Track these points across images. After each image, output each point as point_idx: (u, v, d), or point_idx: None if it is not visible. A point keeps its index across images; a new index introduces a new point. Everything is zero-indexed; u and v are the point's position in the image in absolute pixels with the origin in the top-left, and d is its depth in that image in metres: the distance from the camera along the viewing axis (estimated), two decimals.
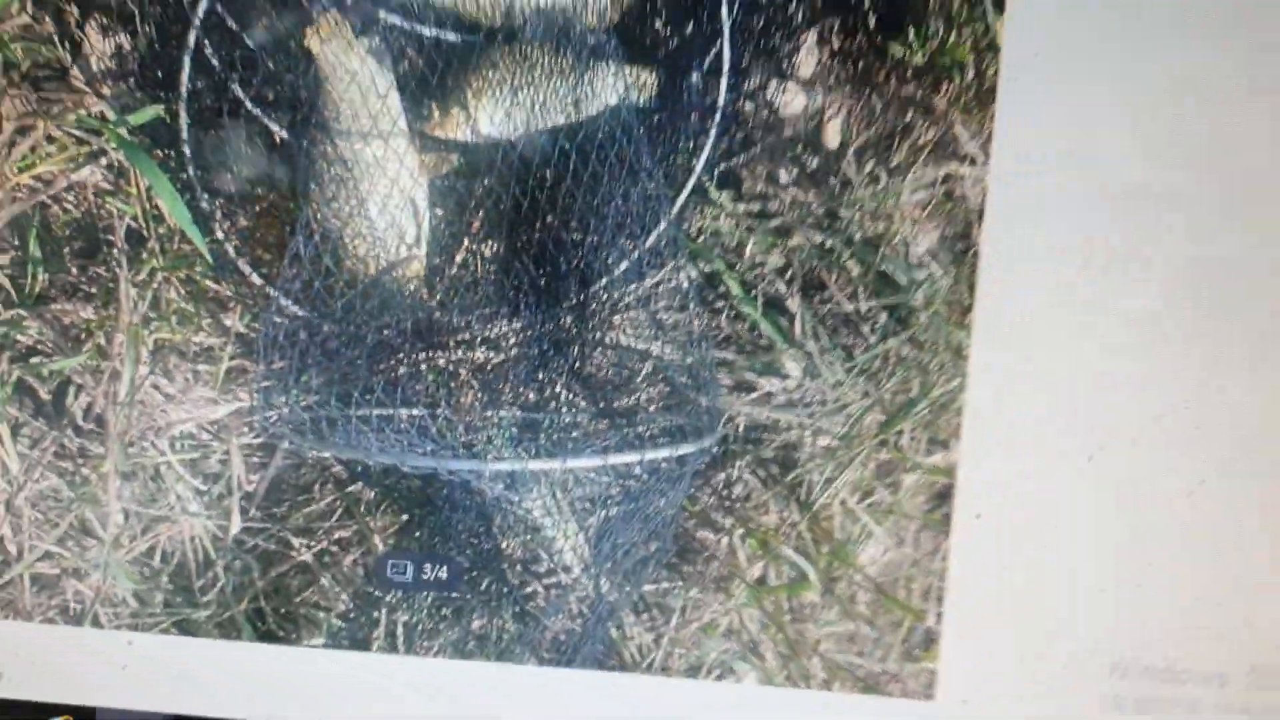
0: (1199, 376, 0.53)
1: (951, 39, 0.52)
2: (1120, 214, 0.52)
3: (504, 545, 0.53)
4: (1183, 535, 0.54)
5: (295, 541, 0.53)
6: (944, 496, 0.54)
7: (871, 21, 0.52)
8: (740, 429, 0.54)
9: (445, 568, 0.53)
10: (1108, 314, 0.53)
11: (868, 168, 0.53)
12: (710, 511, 0.54)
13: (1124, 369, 0.53)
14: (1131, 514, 0.54)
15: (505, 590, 0.54)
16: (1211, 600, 0.54)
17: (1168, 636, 0.54)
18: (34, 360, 0.52)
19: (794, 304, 0.53)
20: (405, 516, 0.54)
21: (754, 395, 0.53)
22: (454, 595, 0.54)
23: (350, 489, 0.53)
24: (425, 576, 0.53)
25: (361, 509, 0.53)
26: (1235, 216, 0.52)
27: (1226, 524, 0.53)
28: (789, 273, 0.53)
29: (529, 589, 0.54)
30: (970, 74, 0.52)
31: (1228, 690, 0.55)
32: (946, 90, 0.52)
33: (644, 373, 0.53)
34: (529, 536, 0.53)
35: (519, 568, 0.53)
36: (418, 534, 0.53)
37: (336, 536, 0.53)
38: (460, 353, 0.53)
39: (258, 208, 0.52)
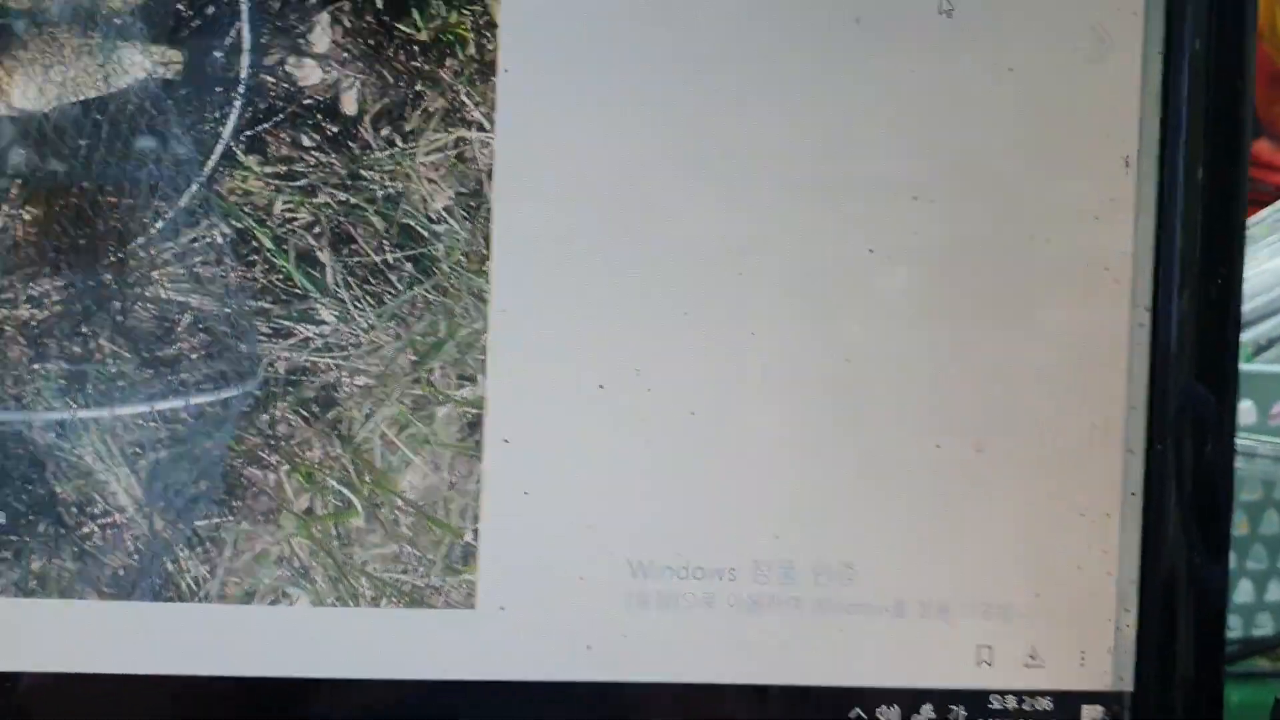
0: (687, 314, 0.61)
1: (453, 18, 0.59)
2: (618, 171, 0.60)
3: (59, 490, 0.57)
4: (687, 450, 0.62)
5: None
6: (475, 425, 0.60)
7: (379, 2, 0.59)
8: (281, 372, 0.59)
9: (1, 514, 0.56)
10: (609, 260, 0.60)
11: (384, 133, 0.59)
12: (257, 450, 0.59)
13: (624, 306, 0.60)
14: (641, 432, 0.61)
15: (62, 532, 0.57)
16: (715, 503, 0.62)
17: (681, 537, 0.62)
18: None
19: (324, 256, 0.59)
20: None
21: (292, 341, 0.59)
22: (12, 538, 0.57)
23: None
24: None
25: None
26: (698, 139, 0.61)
27: (725, 436, 0.62)
28: (317, 228, 0.59)
29: (85, 529, 0.57)
30: (472, 49, 0.59)
31: (737, 584, 0.63)
32: (451, 64, 0.59)
33: (185, 323, 0.58)
34: (83, 481, 0.57)
35: (74, 510, 0.57)
36: None
37: None
38: (4, 311, 0.56)
39: None
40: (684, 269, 0.61)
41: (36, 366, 0.56)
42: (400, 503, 0.60)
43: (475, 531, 0.60)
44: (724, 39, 0.61)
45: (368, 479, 0.60)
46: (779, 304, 0.62)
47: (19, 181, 0.57)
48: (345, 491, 0.60)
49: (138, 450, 0.57)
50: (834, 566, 0.64)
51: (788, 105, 0.61)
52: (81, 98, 0.56)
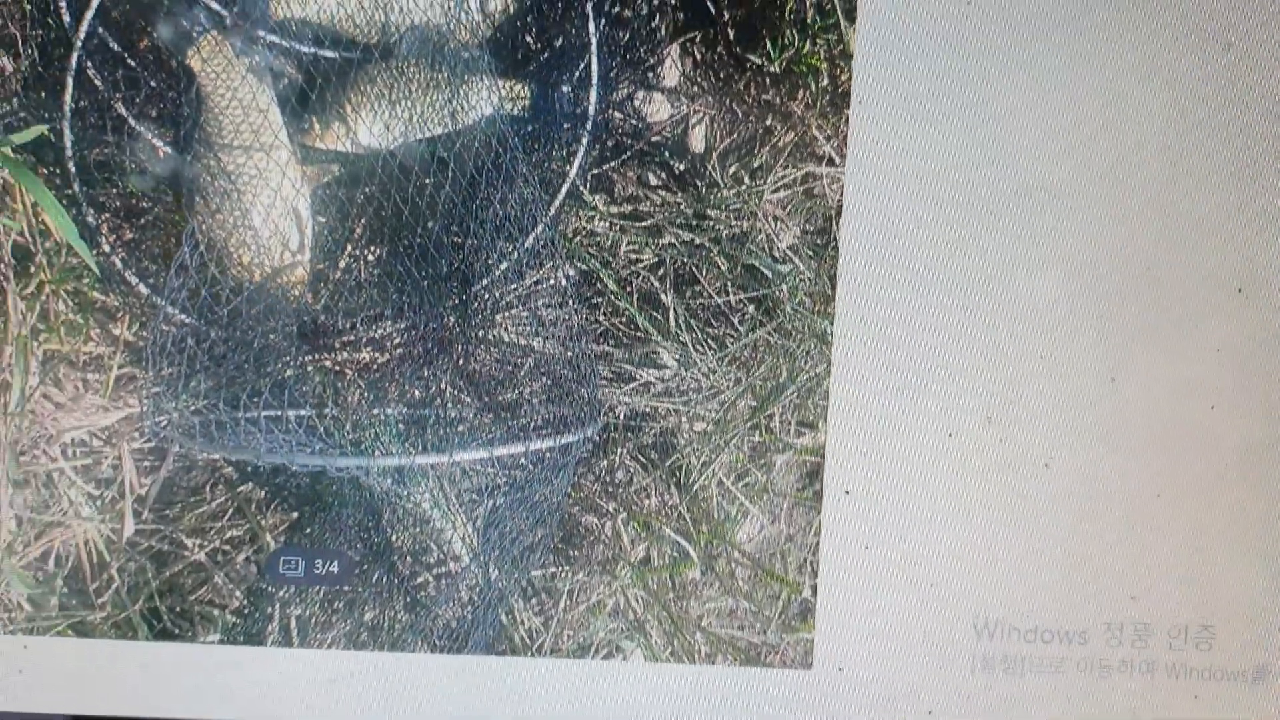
0: (1044, 357, 0.57)
1: (806, 48, 0.56)
2: (966, 209, 0.56)
3: (394, 538, 0.55)
4: (1040, 504, 0.58)
5: (188, 541, 0.55)
6: (814, 475, 0.57)
7: (731, 34, 0.56)
8: (620, 418, 0.56)
9: (336, 562, 0.55)
10: (956, 303, 0.56)
11: (731, 170, 0.56)
12: (594, 497, 0.56)
13: (975, 351, 0.57)
14: (991, 485, 0.57)
15: (396, 581, 0.56)
16: (1067, 561, 0.58)
17: (1030, 598, 0.58)
18: None
19: (667, 298, 0.56)
20: (296, 514, 0.55)
21: (632, 385, 0.56)
22: (345, 588, 0.55)
23: (241, 489, 0.55)
24: (317, 571, 0.55)
25: (253, 508, 0.55)
26: (1071, 209, 0.57)
27: (1079, 491, 0.58)
28: (661, 269, 0.56)
29: (419, 579, 0.56)
30: (825, 80, 0.56)
31: (1088, 647, 0.59)
32: (803, 96, 0.56)
33: (526, 367, 0.56)
34: (418, 528, 0.55)
35: (409, 559, 0.56)
36: (309, 530, 0.55)
37: (229, 535, 0.55)
38: (346, 354, 0.55)
39: (143, 220, 0.53)
40: (1039, 312, 0.57)
41: (376, 411, 0.55)
42: (737, 554, 0.57)
43: (814, 587, 0.57)
44: (1077, 74, 0.57)
45: (704, 529, 0.57)
46: (1140, 349, 0.58)
47: (363, 221, 0.55)
48: (682, 541, 0.57)
49: (475, 497, 0.55)
50: (1192, 629, 0.59)
51: (1152, 140, 0.57)
52: (428, 135, 0.54)
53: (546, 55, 0.55)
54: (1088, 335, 0.57)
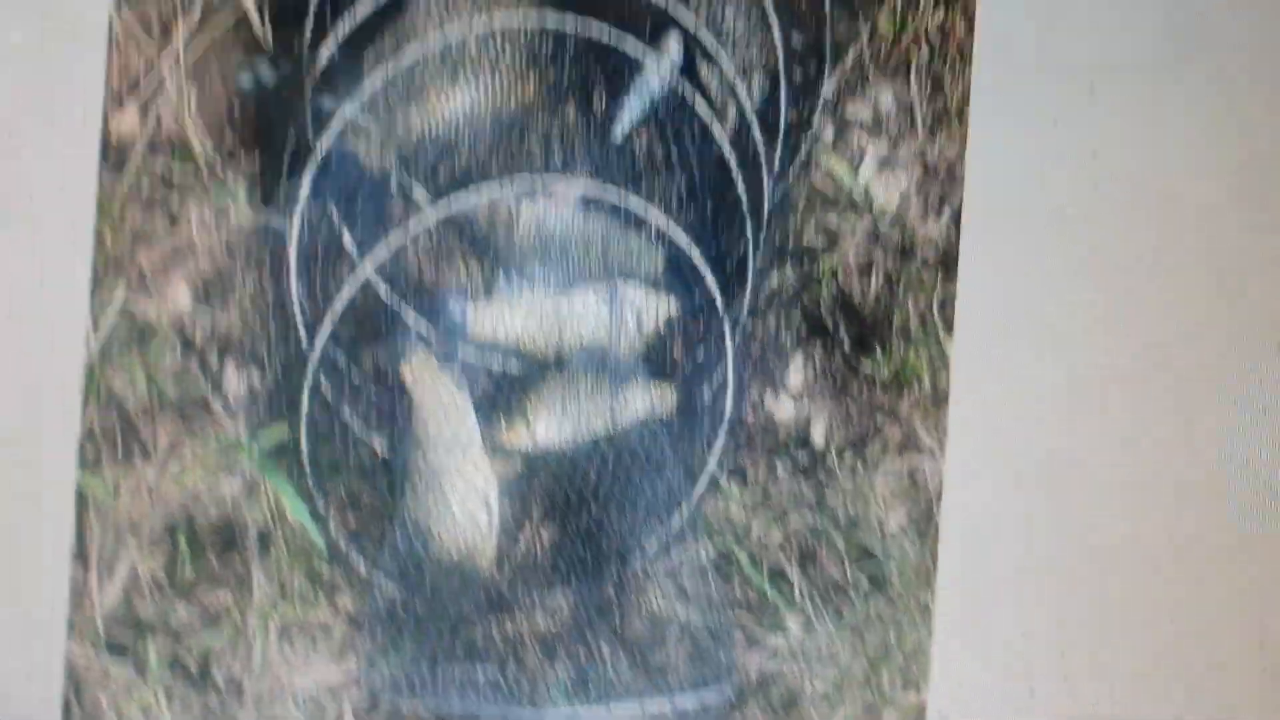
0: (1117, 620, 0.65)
1: (910, 357, 0.66)
2: (1050, 494, 0.65)
3: None
4: None
5: None
6: None
7: (846, 344, 0.66)
8: (752, 678, 0.66)
9: None
10: (1042, 570, 0.65)
11: (847, 461, 0.66)
12: None
13: (1053, 612, 0.65)
14: None
15: None
16: None
17: None
18: (183, 637, 0.65)
19: (792, 573, 0.66)
20: None
21: (763, 649, 0.66)
22: None
23: None
24: None
25: None
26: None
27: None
28: (787, 548, 0.66)
29: None
30: (927, 383, 0.66)
31: None
32: (908, 397, 0.66)
33: (673, 632, 0.65)
34: None
35: None
36: None
37: None
38: (524, 620, 0.65)
39: (363, 508, 0.65)
40: (1112, 568, 0.65)
41: (548, 669, 0.65)
42: None
43: None
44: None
45: None
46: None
47: (540, 507, 0.66)
48: None
49: None
50: None
51: None
52: (593, 433, 0.65)
53: (690, 365, 0.67)
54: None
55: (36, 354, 0.64)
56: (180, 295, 0.67)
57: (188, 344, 0.66)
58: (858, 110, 0.68)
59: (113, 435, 0.65)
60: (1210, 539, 0.65)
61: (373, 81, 0.62)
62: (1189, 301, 0.66)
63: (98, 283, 0.65)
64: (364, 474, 0.66)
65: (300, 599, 0.65)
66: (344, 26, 0.62)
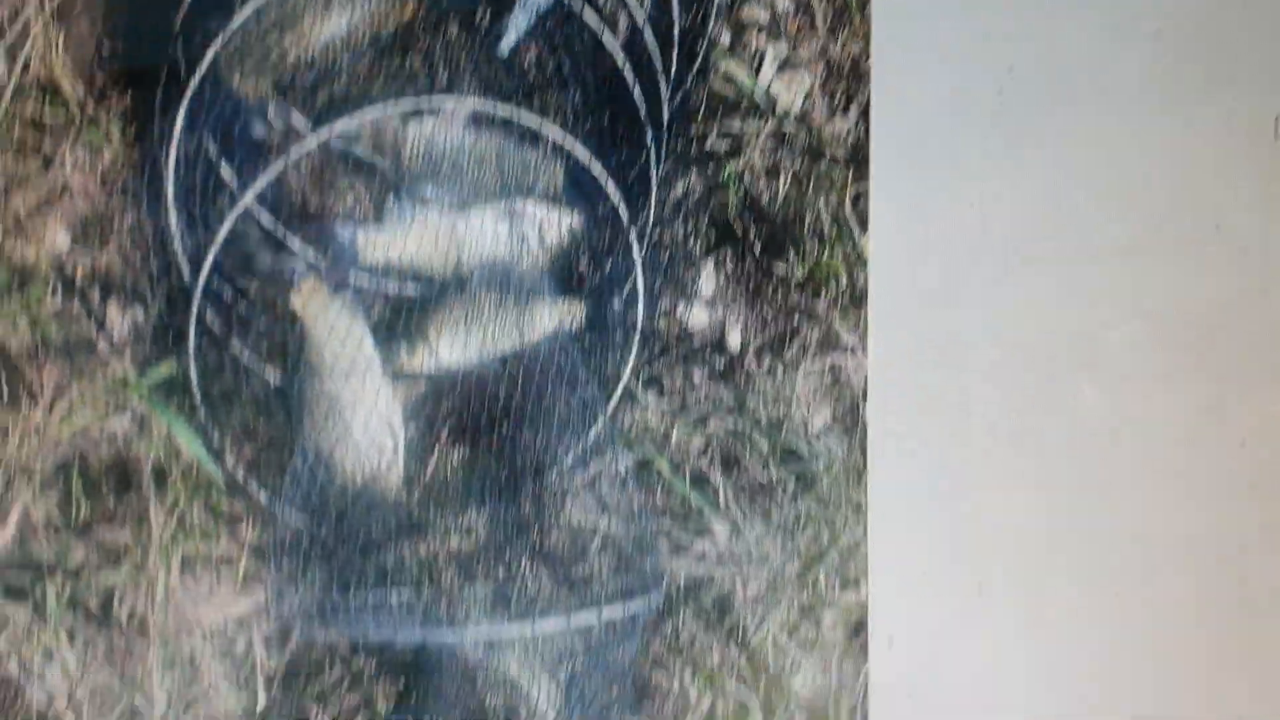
0: (1069, 509, 0.63)
1: (825, 256, 0.63)
2: (986, 379, 0.63)
3: (487, 700, 0.63)
4: (1071, 653, 0.64)
5: (312, 710, 0.63)
6: (859, 627, 0.64)
7: (757, 248, 0.63)
8: (681, 585, 0.64)
9: None
10: (981, 467, 0.63)
11: (766, 364, 0.63)
12: (662, 658, 0.64)
13: (1006, 512, 0.63)
14: (1022, 639, 0.63)
15: None
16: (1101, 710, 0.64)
17: None
18: (82, 577, 0.62)
19: (716, 478, 0.64)
20: (403, 682, 0.63)
21: (690, 556, 0.64)
22: None
23: (354, 663, 0.63)
24: None
25: (365, 679, 0.63)
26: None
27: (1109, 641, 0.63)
28: (709, 453, 0.64)
29: None
30: (844, 281, 0.63)
31: None
32: (825, 296, 0.63)
33: (595, 545, 0.63)
34: (509, 692, 0.63)
35: (502, 718, 0.63)
36: (414, 696, 0.63)
37: (347, 703, 0.63)
38: (438, 542, 0.63)
39: (261, 440, 0.62)
40: (1045, 480, 0.63)
41: (466, 590, 0.63)
42: (794, 704, 0.64)
43: None
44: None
45: (763, 681, 0.64)
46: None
47: (449, 428, 0.63)
48: (743, 693, 0.64)
49: (556, 661, 0.63)
50: None
51: None
52: (500, 351, 0.62)
53: (598, 277, 0.63)
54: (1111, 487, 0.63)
55: None
56: (58, 237, 0.64)
57: (68, 285, 0.63)
58: (754, 13, 0.65)
59: None
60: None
61: (244, 10, 0.59)
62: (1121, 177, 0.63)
63: None
64: (258, 405, 0.63)
65: (201, 533, 0.63)
66: None
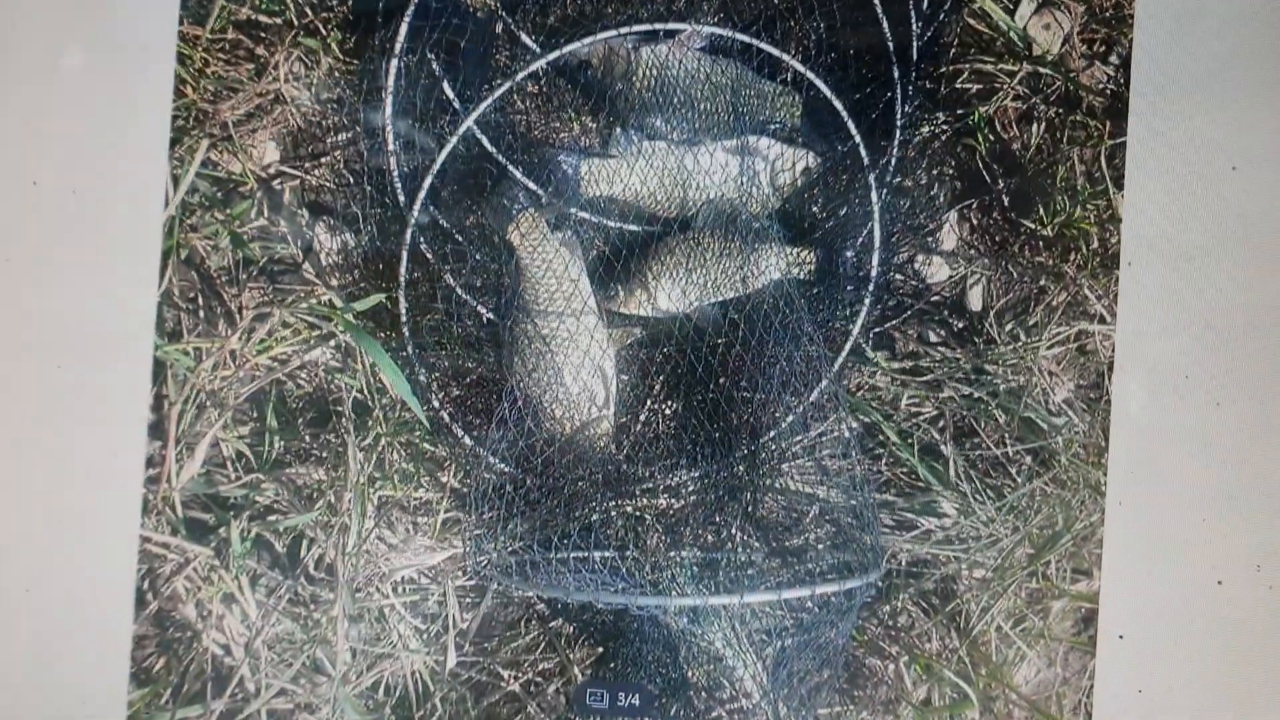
0: None
1: (1077, 213, 0.59)
2: (1228, 357, 0.58)
3: (690, 674, 0.59)
4: None
5: (504, 673, 0.59)
6: (1088, 620, 0.59)
7: (1005, 200, 0.59)
8: (902, 564, 0.59)
9: (637, 695, 0.59)
10: (1228, 450, 0.58)
11: (1008, 327, 0.59)
12: (877, 640, 0.59)
13: (1244, 499, 0.58)
14: (1261, 630, 0.58)
15: (692, 715, 0.59)
16: None
17: None
18: (270, 518, 0.59)
19: (947, 450, 0.59)
20: (601, 649, 0.59)
21: (914, 533, 0.59)
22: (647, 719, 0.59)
23: (552, 624, 0.59)
24: (620, 703, 0.58)
25: (562, 642, 0.59)
26: None
27: None
28: (941, 422, 0.59)
29: (714, 714, 0.59)
30: (1095, 243, 0.59)
31: None
32: (1075, 258, 0.59)
33: (812, 514, 0.59)
34: (712, 665, 0.59)
35: (704, 694, 0.59)
36: (612, 664, 0.59)
37: (540, 668, 0.59)
38: (645, 500, 0.59)
39: (468, 379, 0.59)
40: None
41: (673, 554, 0.59)
42: (1015, 697, 0.59)
43: None
44: None
45: (983, 672, 0.59)
46: None
47: (662, 379, 0.60)
48: (962, 684, 0.59)
49: (764, 637, 0.58)
50: None
51: None
52: (721, 299, 0.59)
53: (831, 223, 0.60)
54: None
55: (112, 210, 0.59)
56: (267, 150, 0.61)
57: (275, 203, 0.61)
58: None
59: (194, 300, 0.60)
60: None
61: None
62: None
63: (177, 137, 0.59)
64: (468, 343, 0.59)
65: (400, 476, 0.59)
66: None
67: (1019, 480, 0.59)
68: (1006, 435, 0.59)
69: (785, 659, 0.58)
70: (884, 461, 0.59)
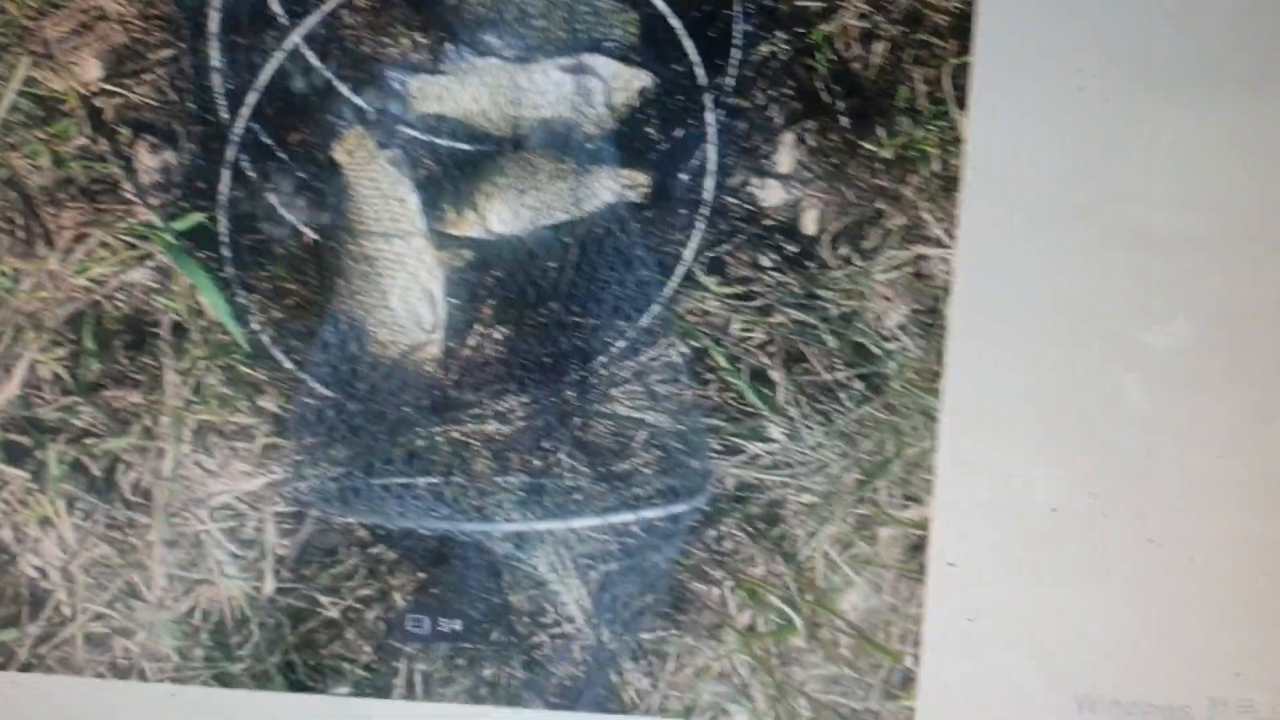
0: (1145, 428, 0.58)
1: (918, 134, 0.58)
2: (1075, 289, 0.58)
3: (513, 600, 0.58)
4: (1144, 579, 0.58)
5: (323, 599, 0.58)
6: (918, 547, 0.59)
7: (844, 121, 0.58)
8: (729, 489, 0.59)
9: (459, 621, 0.58)
10: (1063, 378, 0.58)
11: (842, 251, 0.58)
12: (702, 565, 0.59)
13: (1080, 427, 0.58)
14: (1094, 559, 0.58)
15: (514, 641, 0.59)
16: (1170, 635, 0.59)
17: (1133, 672, 0.59)
18: (87, 441, 0.58)
19: (776, 375, 0.59)
20: (423, 575, 0.59)
21: (741, 458, 0.59)
22: (467, 646, 0.59)
23: (373, 551, 0.59)
24: (441, 629, 0.58)
25: (383, 569, 0.58)
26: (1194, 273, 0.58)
27: (1180, 564, 0.58)
28: (771, 347, 0.59)
29: (536, 639, 0.59)
30: (936, 164, 0.58)
31: None
32: (913, 180, 0.58)
33: (640, 439, 0.58)
34: (536, 591, 0.58)
35: (527, 620, 0.58)
36: (434, 591, 0.58)
37: (360, 594, 0.58)
38: (472, 426, 0.58)
39: (290, 301, 0.58)
40: (1143, 386, 0.58)
41: (499, 480, 0.58)
42: (841, 624, 0.59)
43: (916, 657, 0.59)
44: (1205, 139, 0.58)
45: (809, 598, 0.59)
46: (1252, 422, 0.59)
47: (492, 302, 0.59)
48: (787, 609, 0.59)
49: (590, 562, 0.58)
50: None
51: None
52: (553, 221, 0.57)
53: (666, 145, 0.59)
54: (1197, 411, 0.58)
55: None
56: (89, 68, 0.59)
57: (97, 121, 0.58)
58: None
59: (11, 221, 0.58)
60: None
61: None
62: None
63: None
64: (291, 264, 0.58)
65: (218, 401, 0.58)
66: None
67: (850, 406, 0.58)
68: (837, 360, 0.58)
69: (610, 584, 0.58)
70: (713, 386, 0.58)
